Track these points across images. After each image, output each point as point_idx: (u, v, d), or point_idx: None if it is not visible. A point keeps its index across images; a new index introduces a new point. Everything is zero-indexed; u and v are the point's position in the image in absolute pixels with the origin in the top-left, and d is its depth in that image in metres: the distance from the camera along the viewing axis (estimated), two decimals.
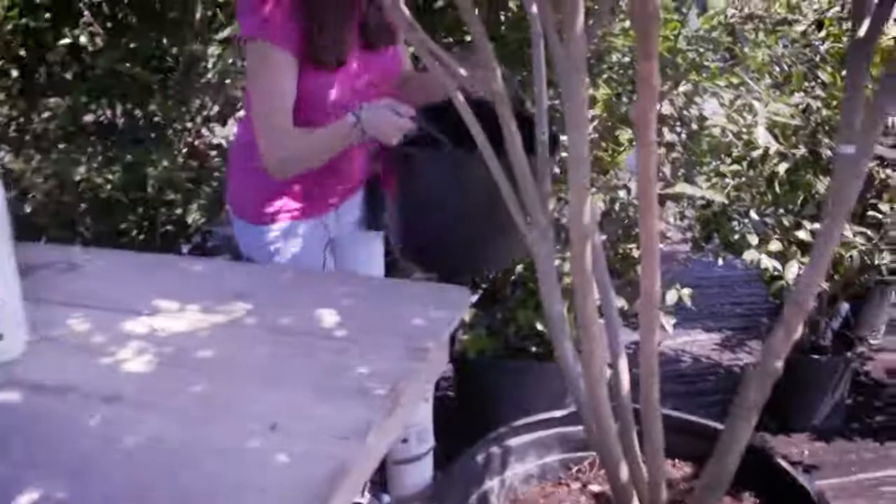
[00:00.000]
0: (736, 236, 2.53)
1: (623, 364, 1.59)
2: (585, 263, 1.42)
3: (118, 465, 1.19)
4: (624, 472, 1.57)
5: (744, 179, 2.51)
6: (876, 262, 2.48)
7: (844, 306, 2.97)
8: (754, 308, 3.93)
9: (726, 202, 2.42)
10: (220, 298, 1.69)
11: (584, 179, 1.36)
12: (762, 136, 2.25)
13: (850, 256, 2.45)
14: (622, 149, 2.45)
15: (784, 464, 1.83)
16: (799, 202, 2.55)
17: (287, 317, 1.63)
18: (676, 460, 1.95)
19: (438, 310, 1.65)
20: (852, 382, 3.24)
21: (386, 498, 2.26)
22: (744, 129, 2.32)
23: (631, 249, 2.53)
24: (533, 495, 1.91)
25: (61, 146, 2.76)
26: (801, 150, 2.54)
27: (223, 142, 3.07)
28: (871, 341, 3.62)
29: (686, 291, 2.50)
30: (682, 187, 2.20)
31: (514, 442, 1.97)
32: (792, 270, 2.49)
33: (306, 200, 2.03)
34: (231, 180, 2.12)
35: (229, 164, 2.17)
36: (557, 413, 1.98)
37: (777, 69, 2.74)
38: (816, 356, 2.89)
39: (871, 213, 2.57)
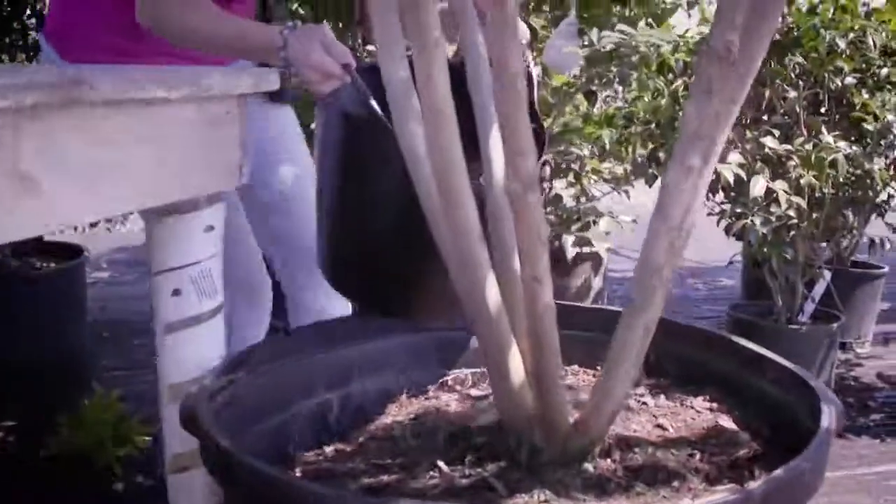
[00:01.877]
0: None
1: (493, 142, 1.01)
2: None
3: None
4: (501, 330, 0.97)
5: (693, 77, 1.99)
6: (866, 166, 1.94)
7: (826, 275, 2.41)
8: (716, 322, 3.36)
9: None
10: None
11: None
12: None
13: (835, 161, 1.91)
14: None
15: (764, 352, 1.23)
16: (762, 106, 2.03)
17: None
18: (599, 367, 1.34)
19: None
20: (839, 386, 2.66)
21: None
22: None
23: None
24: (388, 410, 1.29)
25: None
26: None
27: None
28: (858, 350, 3.05)
29: (625, 219, 1.94)
30: None
31: (368, 346, 1.37)
32: (759, 185, 1.95)
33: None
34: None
35: None
36: None
37: None
38: (794, 326, 2.31)
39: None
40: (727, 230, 2.26)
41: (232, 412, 1.10)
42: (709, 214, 2.55)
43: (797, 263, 2.24)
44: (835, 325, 2.33)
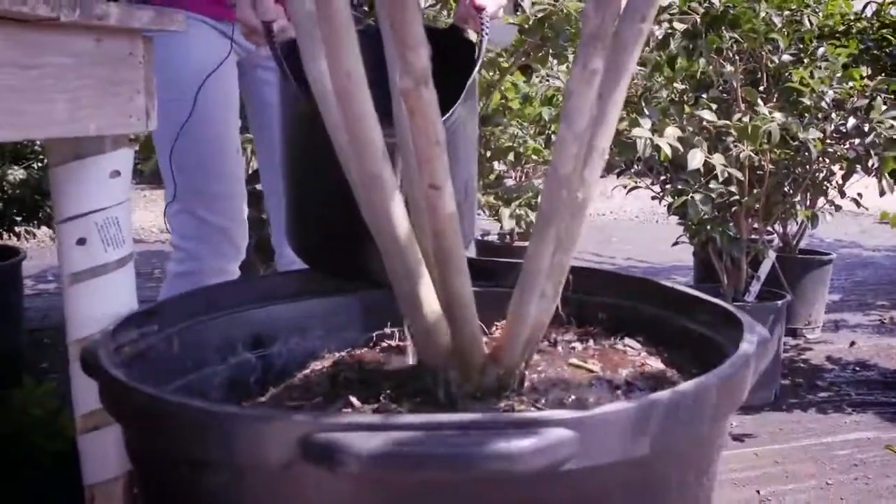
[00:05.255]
0: (623, 123, 1.98)
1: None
2: None
3: None
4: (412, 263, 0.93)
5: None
6: (801, 136, 1.94)
7: (771, 254, 2.40)
8: None
9: None
10: None
11: None
12: None
13: (768, 133, 1.90)
14: None
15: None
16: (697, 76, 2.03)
17: None
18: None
19: None
20: (790, 368, 2.66)
21: None
22: None
23: None
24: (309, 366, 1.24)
25: None
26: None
27: None
28: (809, 336, 3.06)
29: None
30: None
31: (287, 307, 1.33)
32: (697, 158, 1.94)
33: None
34: None
35: None
36: None
37: None
38: (740, 303, 2.30)
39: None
40: (669, 208, 2.25)
41: (141, 368, 1.05)
42: (653, 198, 2.55)
43: (741, 241, 2.23)
44: (779, 302, 2.33)
